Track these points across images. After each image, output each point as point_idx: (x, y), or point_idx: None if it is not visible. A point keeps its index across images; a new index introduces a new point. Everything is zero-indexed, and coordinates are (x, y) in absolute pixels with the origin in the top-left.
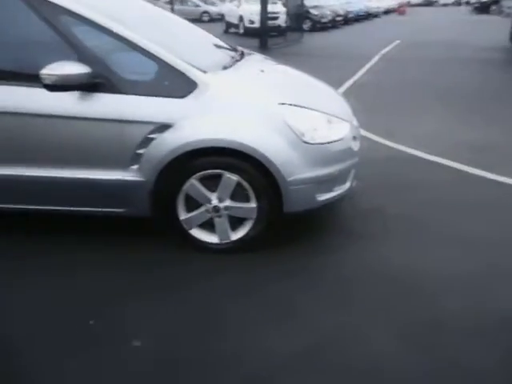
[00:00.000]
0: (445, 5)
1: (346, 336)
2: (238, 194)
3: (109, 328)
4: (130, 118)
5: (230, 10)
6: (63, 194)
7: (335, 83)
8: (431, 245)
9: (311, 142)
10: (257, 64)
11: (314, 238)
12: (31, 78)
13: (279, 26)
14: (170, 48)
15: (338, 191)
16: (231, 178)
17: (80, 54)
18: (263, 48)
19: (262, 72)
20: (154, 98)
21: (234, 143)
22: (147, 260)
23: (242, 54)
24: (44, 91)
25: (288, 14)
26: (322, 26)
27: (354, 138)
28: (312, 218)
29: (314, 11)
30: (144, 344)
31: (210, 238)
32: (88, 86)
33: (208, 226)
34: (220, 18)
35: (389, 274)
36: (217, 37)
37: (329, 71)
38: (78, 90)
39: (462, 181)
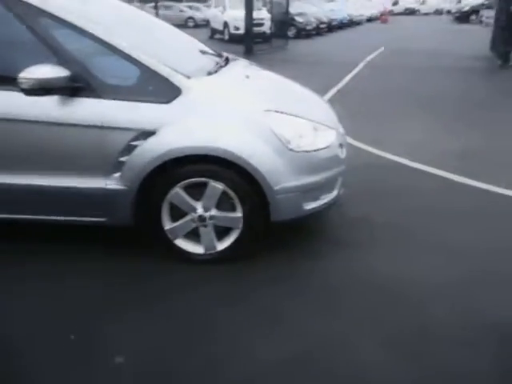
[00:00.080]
0: (426, 14)
1: (333, 344)
2: (223, 203)
3: (90, 344)
4: (112, 124)
5: (215, 16)
6: (41, 202)
7: (320, 90)
8: (418, 253)
9: (297, 149)
10: (242, 70)
11: (301, 246)
12: (9, 82)
13: (264, 33)
14: (153, 53)
15: (325, 199)
16: (216, 186)
17: (59, 57)
18: (248, 54)
19: (247, 78)
20: (137, 103)
21: (219, 150)
22: (131, 271)
23: (227, 60)
24: (22, 95)
25: (273, 20)
26: (306, 33)
27: (341, 145)
28: (299, 225)
29: (298, 18)
30: (127, 360)
31: (196, 249)
32: (67, 90)
33: (193, 235)
34: (205, 23)
35: (376, 282)
36: (202, 43)
37: (314, 78)
38: (56, 94)
39: (447, 188)
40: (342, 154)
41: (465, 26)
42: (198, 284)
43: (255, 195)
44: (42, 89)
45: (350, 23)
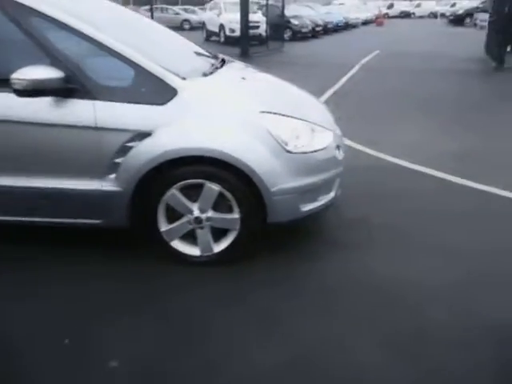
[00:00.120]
0: (421, 17)
1: (330, 345)
2: (220, 205)
3: (84, 348)
4: (107, 126)
5: (211, 19)
6: (36, 204)
7: (317, 92)
8: (415, 254)
9: (294, 151)
10: (238, 71)
11: (299, 248)
12: (1, 83)
13: (260, 35)
14: (148, 54)
15: (322, 201)
16: (213, 187)
17: (52, 58)
18: (244, 56)
19: (243, 79)
20: (132, 104)
21: (215, 152)
22: (126, 273)
23: (223, 62)
24: (15, 97)
25: (268, 23)
26: (302, 35)
27: (338, 146)
28: (296, 227)
29: (294, 21)
30: (123, 362)
31: (192, 251)
32: (61, 91)
33: (190, 237)
34: (201, 26)
35: (373, 284)
36: (197, 45)
37: (310, 80)
38: (50, 95)
39: (445, 190)
40: (340, 155)
41: (459, 29)
42: (195, 286)
43: (252, 197)
44: (34, 90)
45: (346, 26)
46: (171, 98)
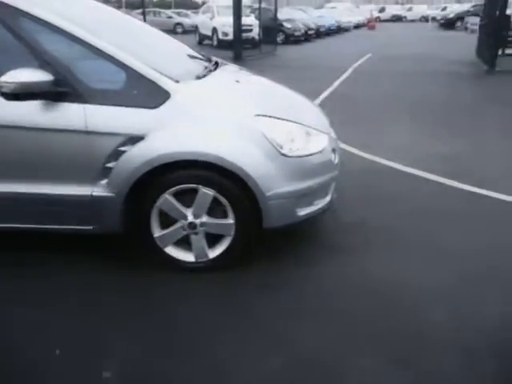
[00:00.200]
0: (412, 21)
1: (327, 349)
2: (215, 210)
3: (77, 359)
4: (98, 130)
5: (204, 22)
6: (27, 210)
7: (310, 95)
8: (412, 256)
9: (290, 154)
10: (232, 74)
11: (295, 252)
12: None
13: (253, 39)
14: (141, 56)
15: (318, 205)
16: (207, 192)
17: (41, 60)
18: (238, 59)
19: (237, 82)
20: (124, 108)
21: (209, 156)
22: (117, 281)
23: (217, 64)
24: (3, 100)
25: (261, 26)
26: (295, 39)
27: (334, 150)
28: (292, 231)
29: (287, 24)
30: (118, 371)
31: (186, 257)
32: (51, 94)
33: (184, 243)
34: (193, 29)
35: (370, 287)
36: (191, 48)
37: (303, 83)
38: (39, 98)
39: (439, 192)
40: (335, 158)
41: (450, 33)
42: (189, 293)
43: (247, 201)
44: (23, 93)
45: (338, 30)
46: (164, 101)
